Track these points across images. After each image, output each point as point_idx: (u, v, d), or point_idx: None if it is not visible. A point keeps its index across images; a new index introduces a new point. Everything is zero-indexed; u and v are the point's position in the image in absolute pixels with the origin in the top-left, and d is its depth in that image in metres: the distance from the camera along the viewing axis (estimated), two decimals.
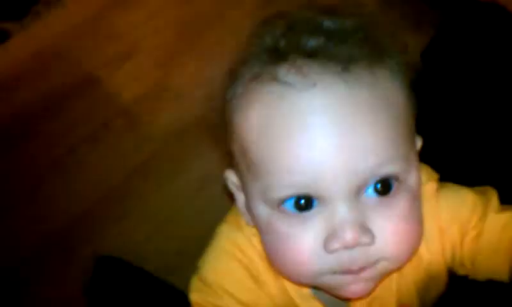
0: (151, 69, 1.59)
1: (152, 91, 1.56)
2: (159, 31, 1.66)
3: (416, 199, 0.57)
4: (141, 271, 1.05)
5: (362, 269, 0.54)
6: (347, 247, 0.52)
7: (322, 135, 0.50)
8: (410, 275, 0.64)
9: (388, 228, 0.53)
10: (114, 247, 1.22)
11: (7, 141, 1.52)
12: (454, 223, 0.61)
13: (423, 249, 0.63)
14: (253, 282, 0.64)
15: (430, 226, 0.62)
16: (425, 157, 0.63)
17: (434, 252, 0.63)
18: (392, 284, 0.65)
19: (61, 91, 1.57)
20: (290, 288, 0.65)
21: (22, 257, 1.29)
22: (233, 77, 0.58)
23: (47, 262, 1.28)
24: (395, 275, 0.64)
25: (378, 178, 0.52)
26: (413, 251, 0.58)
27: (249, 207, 0.59)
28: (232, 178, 0.64)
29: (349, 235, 0.51)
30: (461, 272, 0.64)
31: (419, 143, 0.62)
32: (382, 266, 0.56)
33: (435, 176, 0.66)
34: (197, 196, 1.34)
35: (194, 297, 0.65)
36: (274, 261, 0.60)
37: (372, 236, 0.53)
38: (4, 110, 1.57)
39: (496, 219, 0.60)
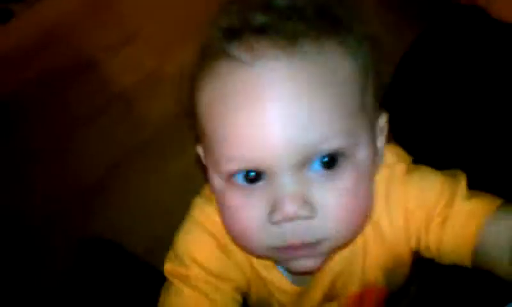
0: (149, 56, 1.61)
1: (148, 78, 1.57)
2: (161, 19, 1.68)
3: (365, 175, 0.57)
4: (124, 253, 1.06)
5: (306, 246, 0.55)
6: (288, 220, 0.53)
7: (267, 109, 0.51)
8: (375, 254, 0.65)
9: (330, 201, 0.54)
10: (101, 229, 1.25)
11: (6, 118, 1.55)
12: (421, 207, 0.61)
13: (387, 229, 0.63)
14: (222, 251, 0.65)
15: (395, 207, 0.62)
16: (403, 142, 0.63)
17: (399, 234, 0.63)
18: (356, 261, 0.66)
19: (60, 72, 1.60)
20: (254, 257, 0.66)
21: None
22: (197, 59, 0.59)
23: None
24: (360, 252, 0.65)
25: (323, 153, 0.53)
26: (358, 227, 0.59)
27: (208, 179, 0.61)
28: (201, 152, 0.66)
29: (288, 207, 0.52)
30: (427, 255, 0.64)
31: (382, 119, 0.62)
32: (326, 242, 0.56)
33: (407, 158, 0.65)
34: (188, 181, 1.36)
35: (166, 267, 0.67)
36: (229, 233, 0.61)
37: (312, 209, 0.53)
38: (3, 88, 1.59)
39: (463, 205, 0.59)
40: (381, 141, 0.61)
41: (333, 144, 0.52)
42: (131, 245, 1.14)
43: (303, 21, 0.52)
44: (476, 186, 0.63)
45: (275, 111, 0.51)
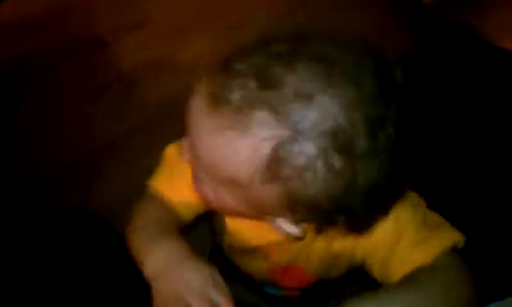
0: (159, 41, 1.64)
1: (155, 62, 1.61)
2: (174, 5, 1.72)
3: None
4: (105, 225, 1.07)
5: None
6: None
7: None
8: (320, 249, 0.68)
9: None
10: (93, 202, 1.28)
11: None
12: (378, 242, 0.63)
13: (339, 239, 0.66)
14: None
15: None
16: None
17: (348, 246, 0.66)
18: (303, 251, 0.70)
19: (68, 48, 1.63)
20: None
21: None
22: None
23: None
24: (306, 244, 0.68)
25: None
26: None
27: None
28: None
29: None
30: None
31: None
32: None
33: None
34: None
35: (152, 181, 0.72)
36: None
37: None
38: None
39: (406, 254, 0.61)
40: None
41: None
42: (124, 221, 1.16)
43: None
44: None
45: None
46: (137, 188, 0.70)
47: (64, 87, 1.56)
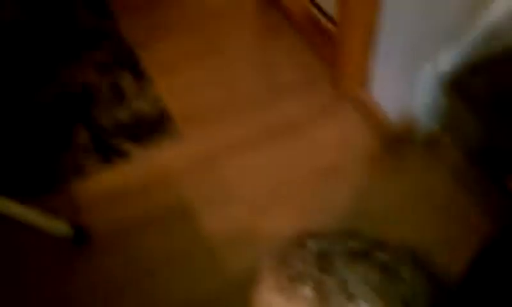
0: (245, 214, 1.73)
1: (238, 235, 1.69)
2: (260, 182, 1.81)
3: None
4: None
5: None
6: None
7: None
8: None
9: None
10: None
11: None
12: None
13: None
14: None
15: None
16: None
17: None
18: None
19: (156, 216, 1.73)
20: None
21: None
22: None
23: None
24: None
25: None
26: None
27: None
28: None
29: None
30: None
31: None
32: None
33: None
34: None
35: None
36: None
37: None
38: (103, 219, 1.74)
39: None
40: None
41: None
42: None
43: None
44: None
45: None
46: None
47: (152, 251, 1.64)
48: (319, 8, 2.17)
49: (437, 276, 0.56)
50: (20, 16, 2.32)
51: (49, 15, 2.35)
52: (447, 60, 1.69)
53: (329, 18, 2.10)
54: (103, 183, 1.82)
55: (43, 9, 2.37)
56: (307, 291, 0.53)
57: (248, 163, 1.86)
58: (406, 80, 1.76)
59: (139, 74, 2.12)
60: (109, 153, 1.87)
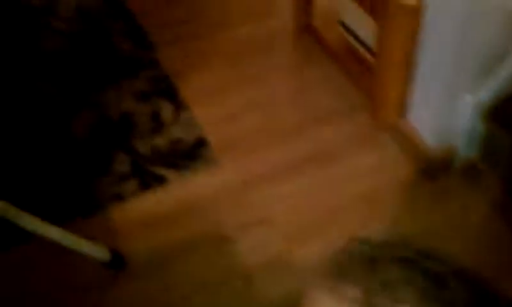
0: (279, 240, 1.72)
1: (274, 261, 1.68)
2: (296, 209, 1.81)
3: None
4: None
5: None
6: None
7: None
8: None
9: None
10: None
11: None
12: None
13: None
14: None
15: None
16: None
17: None
18: None
19: (193, 241, 1.73)
20: None
21: None
22: None
23: None
24: None
25: None
26: None
27: None
28: None
29: None
30: None
31: None
32: None
33: None
34: None
35: None
36: None
37: None
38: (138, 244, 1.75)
39: None
40: None
41: None
42: None
43: None
44: None
45: None
46: None
47: (188, 276, 1.64)
48: (356, 38, 2.18)
49: (485, 292, 0.55)
50: (63, 46, 2.39)
51: (90, 45, 2.41)
52: (486, 89, 1.70)
53: (368, 48, 2.10)
54: (140, 209, 1.84)
55: (85, 39, 2.44)
56: (356, 293, 0.52)
57: (285, 189, 1.86)
58: (444, 109, 1.76)
59: (177, 102, 2.15)
60: (147, 179, 1.89)
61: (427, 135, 1.86)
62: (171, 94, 2.19)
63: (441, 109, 1.77)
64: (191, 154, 1.97)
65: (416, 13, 1.66)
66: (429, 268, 0.54)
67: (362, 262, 0.55)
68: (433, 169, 1.87)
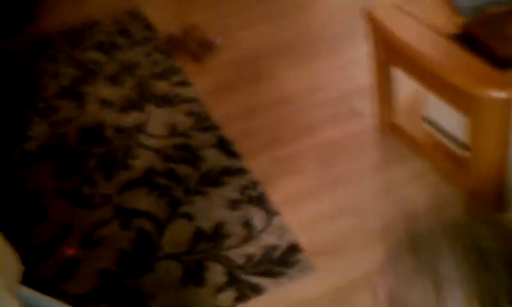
0: None
1: None
2: None
3: None
4: None
5: None
6: None
7: None
8: None
9: None
10: None
11: None
12: None
13: None
14: None
15: None
16: None
17: None
18: None
19: None
20: None
21: None
22: None
23: None
24: None
25: None
26: None
27: None
28: None
29: None
30: None
31: None
32: None
33: None
34: None
35: None
36: None
37: None
38: None
39: None
40: None
41: None
42: None
43: None
44: None
45: None
46: None
47: None
48: (442, 131, 2.16)
49: None
50: (155, 165, 2.49)
51: (181, 157, 2.50)
52: None
53: (456, 142, 2.08)
54: None
55: (176, 156, 2.53)
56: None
57: None
58: None
59: (266, 208, 2.17)
60: (243, 289, 1.89)
61: None
62: (260, 200, 2.21)
63: None
64: (285, 260, 1.96)
65: (508, 105, 1.65)
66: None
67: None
68: None
